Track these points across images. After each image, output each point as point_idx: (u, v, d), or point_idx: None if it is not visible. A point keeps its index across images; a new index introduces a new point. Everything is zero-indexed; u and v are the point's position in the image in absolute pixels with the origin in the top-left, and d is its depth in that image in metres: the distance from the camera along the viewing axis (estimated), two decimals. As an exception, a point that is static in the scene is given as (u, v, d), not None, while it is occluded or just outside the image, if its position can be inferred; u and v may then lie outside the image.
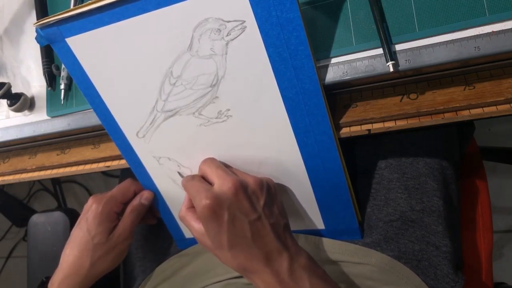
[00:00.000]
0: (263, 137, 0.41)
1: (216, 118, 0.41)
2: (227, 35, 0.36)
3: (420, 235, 0.46)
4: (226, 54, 0.37)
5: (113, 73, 0.40)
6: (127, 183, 0.50)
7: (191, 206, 0.41)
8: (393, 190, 0.47)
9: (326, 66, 0.39)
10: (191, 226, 0.40)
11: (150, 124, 0.43)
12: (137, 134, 0.44)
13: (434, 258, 0.45)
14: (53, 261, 0.63)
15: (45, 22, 0.38)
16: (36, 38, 0.39)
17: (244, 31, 0.35)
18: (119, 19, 0.37)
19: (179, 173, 0.46)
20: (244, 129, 0.41)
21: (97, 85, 0.41)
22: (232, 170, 0.42)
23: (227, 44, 0.36)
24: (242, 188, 0.38)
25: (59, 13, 0.37)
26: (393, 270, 0.44)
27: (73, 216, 0.66)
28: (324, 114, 0.38)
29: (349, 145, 0.50)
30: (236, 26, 0.35)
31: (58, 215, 0.65)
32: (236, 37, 0.36)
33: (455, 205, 0.50)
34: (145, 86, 0.40)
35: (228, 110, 0.40)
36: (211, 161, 0.42)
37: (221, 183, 0.38)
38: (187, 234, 0.53)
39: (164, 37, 0.37)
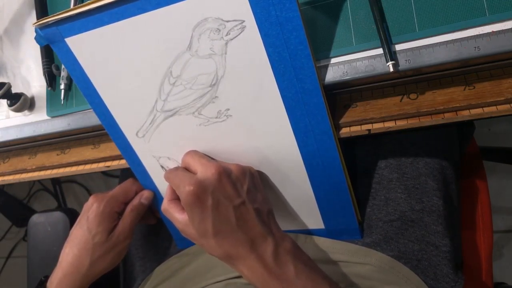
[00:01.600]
0: (263, 137, 0.41)
1: (216, 117, 0.41)
2: (226, 35, 0.36)
3: (420, 235, 0.46)
4: (226, 53, 0.37)
5: (113, 73, 0.40)
6: (128, 183, 0.50)
7: (174, 198, 0.41)
8: (393, 190, 0.47)
9: (326, 66, 0.39)
10: (175, 217, 0.40)
11: (150, 124, 0.43)
12: (136, 134, 0.44)
13: (434, 258, 0.45)
14: (53, 261, 0.63)
15: (45, 22, 0.38)
16: (35, 38, 0.40)
17: (243, 30, 0.35)
18: (118, 19, 0.37)
19: (162, 166, 0.46)
20: (243, 129, 0.41)
21: (96, 85, 0.41)
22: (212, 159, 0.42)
23: (226, 43, 0.36)
24: (225, 173, 0.38)
25: (58, 13, 0.37)
26: (393, 270, 0.44)
27: (73, 216, 0.66)
28: (324, 114, 0.38)
29: (349, 145, 0.50)
30: (236, 25, 0.35)
31: (58, 215, 0.65)
32: (235, 37, 0.36)
33: (455, 205, 0.50)
34: (145, 86, 0.40)
35: (228, 109, 0.40)
36: (193, 152, 0.42)
37: (204, 170, 0.38)
38: None
39: (163, 36, 0.37)
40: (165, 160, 0.45)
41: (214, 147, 0.43)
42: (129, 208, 0.49)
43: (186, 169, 0.41)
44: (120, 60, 0.39)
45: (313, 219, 0.47)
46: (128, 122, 0.43)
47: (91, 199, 0.48)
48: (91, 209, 0.47)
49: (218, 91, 0.39)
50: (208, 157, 0.41)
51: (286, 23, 0.34)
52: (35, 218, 0.67)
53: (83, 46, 0.39)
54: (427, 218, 0.46)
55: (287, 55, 0.36)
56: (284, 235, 0.40)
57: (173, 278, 0.53)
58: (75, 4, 0.49)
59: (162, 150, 0.45)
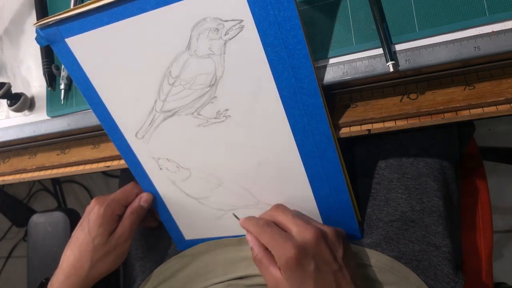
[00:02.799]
0: (262, 137, 0.41)
1: (215, 118, 0.41)
2: (225, 35, 0.36)
3: (420, 235, 0.46)
4: (224, 53, 0.37)
5: (112, 73, 0.40)
6: (130, 186, 0.50)
7: (266, 249, 0.41)
8: (393, 190, 0.47)
9: (326, 66, 0.39)
10: (269, 272, 0.40)
11: (149, 124, 0.43)
12: (136, 135, 0.44)
13: (434, 258, 0.45)
14: (53, 261, 0.63)
15: (45, 23, 0.38)
16: (36, 39, 0.40)
17: (242, 30, 0.35)
18: (118, 19, 0.37)
19: (234, 215, 0.47)
20: (242, 129, 0.41)
21: (96, 86, 0.41)
22: (304, 218, 0.43)
23: (225, 43, 0.36)
24: (323, 237, 0.39)
25: (58, 13, 0.37)
26: (393, 270, 0.44)
27: (73, 216, 0.65)
28: (322, 114, 0.38)
29: (349, 145, 0.50)
30: (234, 25, 0.35)
31: (58, 215, 0.65)
32: (234, 37, 0.36)
33: (455, 205, 0.50)
34: (144, 86, 0.40)
35: (227, 110, 0.40)
36: (284, 208, 0.43)
37: (302, 232, 0.39)
38: (187, 236, 0.53)
39: (162, 36, 0.37)
40: (165, 162, 0.45)
41: (214, 148, 0.43)
42: (128, 210, 0.49)
43: (277, 225, 0.41)
44: (119, 60, 0.39)
45: (314, 220, 0.47)
46: (127, 123, 0.43)
47: (92, 202, 0.48)
48: (92, 212, 0.47)
49: (217, 91, 0.39)
50: (301, 216, 0.41)
51: (284, 23, 0.34)
52: (35, 218, 0.67)
53: (83, 46, 0.39)
54: (427, 218, 0.46)
55: (285, 55, 0.36)
56: None
57: (173, 279, 0.53)
58: (75, 4, 0.49)
59: (161, 152, 0.45)
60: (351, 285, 0.39)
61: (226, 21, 0.35)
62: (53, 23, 0.38)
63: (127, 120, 0.43)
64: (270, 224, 0.41)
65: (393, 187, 0.47)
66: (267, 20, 0.34)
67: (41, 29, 0.39)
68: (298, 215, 0.42)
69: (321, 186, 0.43)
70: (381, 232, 0.46)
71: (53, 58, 0.51)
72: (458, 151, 0.54)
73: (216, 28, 0.36)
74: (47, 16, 0.52)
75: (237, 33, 0.35)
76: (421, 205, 0.46)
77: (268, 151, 0.42)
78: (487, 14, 0.34)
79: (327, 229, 0.40)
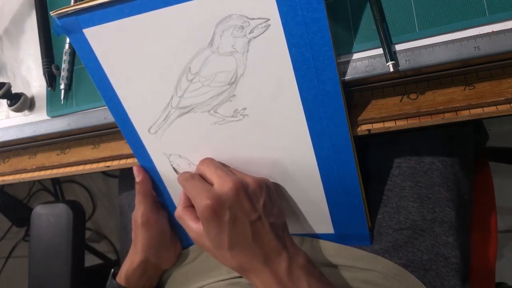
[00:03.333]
0: (278, 138, 0.40)
1: (232, 116, 0.40)
2: (250, 33, 0.35)
3: (429, 244, 0.45)
4: (247, 52, 0.36)
5: (130, 67, 0.40)
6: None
7: (188, 205, 0.41)
8: (405, 198, 0.47)
9: (326, 66, 0.39)
10: (188, 225, 0.41)
11: (164, 120, 0.42)
12: (149, 130, 0.43)
13: (442, 269, 0.45)
14: (55, 253, 0.63)
15: (64, 12, 0.37)
16: (52, 28, 0.39)
17: (267, 29, 0.35)
18: (139, 12, 0.36)
19: (174, 168, 0.46)
20: (259, 129, 0.40)
21: (111, 79, 0.41)
22: (231, 169, 0.42)
23: (249, 41, 0.36)
24: (242, 188, 0.38)
25: (78, 3, 0.37)
26: (399, 278, 0.44)
27: (76, 208, 0.65)
28: (343, 117, 0.38)
29: (362, 149, 0.49)
30: (260, 24, 0.35)
31: (62, 207, 0.65)
32: (259, 35, 0.35)
33: (467, 216, 0.50)
34: (162, 82, 0.40)
35: (245, 109, 0.40)
36: (209, 161, 0.42)
37: (222, 183, 0.38)
38: None
39: (185, 32, 0.37)
40: (176, 158, 0.45)
41: (228, 146, 0.42)
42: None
43: (202, 177, 0.41)
44: (138, 54, 0.39)
45: (323, 224, 0.46)
46: (141, 118, 0.43)
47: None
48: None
49: (237, 89, 0.39)
50: (224, 168, 0.41)
51: (312, 24, 0.34)
52: (39, 209, 0.66)
53: (101, 38, 0.38)
54: (438, 228, 0.46)
55: (310, 56, 0.35)
56: (298, 250, 0.40)
57: (176, 273, 0.54)
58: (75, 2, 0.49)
59: (173, 148, 0.44)
60: (269, 234, 0.38)
61: (252, 19, 0.35)
62: (71, 13, 0.37)
63: (140, 115, 0.43)
64: (194, 176, 0.41)
65: (405, 195, 0.47)
66: (295, 20, 0.34)
67: (58, 18, 0.38)
68: (221, 167, 0.41)
69: (334, 189, 0.42)
70: (390, 239, 0.46)
71: (53, 58, 0.51)
72: (473, 162, 0.53)
73: (241, 26, 0.35)
74: (47, 16, 0.52)
75: (263, 32, 0.35)
76: (433, 215, 0.46)
77: (283, 152, 0.41)
78: (487, 14, 0.34)
79: (249, 180, 0.39)
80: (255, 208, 0.38)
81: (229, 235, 0.37)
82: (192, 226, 0.40)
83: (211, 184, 0.39)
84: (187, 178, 0.41)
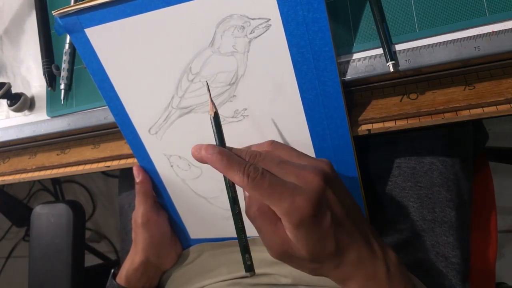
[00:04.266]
0: (278, 138, 0.40)
1: (232, 117, 0.40)
2: (250, 33, 0.35)
3: (430, 244, 0.45)
4: (248, 52, 0.36)
5: (131, 66, 0.40)
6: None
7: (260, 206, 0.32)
8: (405, 198, 0.47)
9: (326, 66, 0.39)
10: (272, 232, 0.31)
11: (164, 120, 0.42)
12: (149, 131, 0.43)
13: (442, 269, 0.45)
14: (55, 253, 0.63)
15: (65, 11, 0.37)
16: (54, 27, 0.39)
17: (268, 29, 0.35)
18: (141, 11, 0.36)
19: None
20: (260, 130, 0.40)
21: (112, 78, 0.41)
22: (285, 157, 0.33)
23: (250, 42, 0.36)
24: (326, 177, 0.31)
25: (80, 2, 0.37)
26: None
27: (76, 209, 0.65)
28: (343, 117, 0.38)
29: (362, 150, 0.49)
30: (261, 24, 0.35)
31: (62, 207, 0.65)
32: (259, 35, 0.35)
33: (467, 216, 0.50)
34: (162, 82, 0.40)
35: (245, 109, 0.40)
36: (269, 155, 0.33)
37: (304, 178, 0.30)
38: (192, 235, 0.53)
39: (186, 32, 0.37)
40: (176, 159, 0.45)
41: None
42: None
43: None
44: (139, 53, 0.39)
45: None
46: (141, 118, 0.43)
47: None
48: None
49: (237, 90, 0.39)
50: (284, 159, 0.33)
51: (313, 24, 0.34)
52: (39, 209, 0.66)
53: (102, 37, 0.38)
54: (438, 228, 0.46)
55: (311, 56, 0.35)
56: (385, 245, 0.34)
57: (176, 274, 0.54)
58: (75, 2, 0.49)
59: (174, 148, 0.44)
60: (361, 215, 0.32)
61: (253, 19, 0.35)
62: (73, 12, 0.37)
63: (141, 115, 0.43)
64: (264, 173, 0.31)
65: (405, 195, 0.47)
66: (295, 20, 0.34)
67: (60, 18, 0.38)
68: (286, 161, 0.32)
69: None
70: (390, 240, 0.46)
71: (53, 58, 0.51)
72: (472, 162, 0.53)
73: (242, 26, 0.35)
74: (47, 16, 0.52)
75: (263, 32, 0.35)
76: (433, 215, 0.46)
77: None
78: (487, 14, 0.34)
79: (323, 164, 0.32)
80: (343, 201, 0.31)
81: (335, 238, 0.30)
82: (280, 233, 0.31)
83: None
84: (253, 177, 0.30)
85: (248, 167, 0.31)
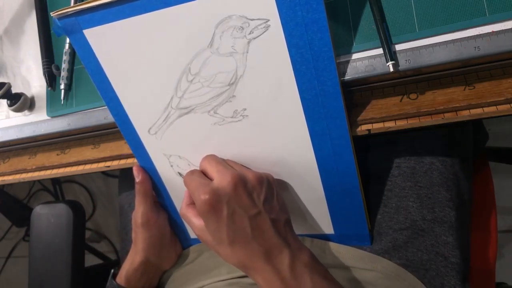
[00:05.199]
0: (278, 139, 0.40)
1: (232, 117, 0.40)
2: (249, 33, 0.35)
3: (429, 244, 0.45)
4: (247, 52, 0.36)
5: (130, 67, 0.40)
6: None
7: (191, 203, 0.41)
8: (405, 198, 0.47)
9: (326, 66, 0.39)
10: (192, 222, 0.40)
11: (164, 121, 0.42)
12: (149, 131, 0.43)
13: (442, 269, 0.45)
14: (55, 253, 0.63)
15: (64, 12, 0.37)
16: (53, 28, 0.39)
17: (267, 30, 0.35)
18: (140, 12, 0.36)
19: (179, 173, 0.46)
20: (259, 130, 0.40)
21: (111, 79, 0.41)
22: (231, 163, 0.42)
23: (249, 42, 0.36)
24: (241, 182, 0.38)
25: (79, 3, 0.37)
26: (399, 278, 0.44)
27: (76, 209, 0.65)
28: (342, 117, 0.38)
29: (362, 150, 0.49)
30: (260, 24, 0.35)
31: (62, 207, 0.65)
32: (258, 36, 0.35)
33: (467, 216, 0.50)
34: (162, 82, 0.40)
35: (245, 109, 0.40)
36: (211, 157, 0.42)
37: (220, 178, 0.38)
38: (192, 235, 0.53)
39: (185, 32, 0.37)
40: (176, 159, 0.45)
41: (228, 147, 0.42)
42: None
43: (203, 173, 0.41)
44: (138, 54, 0.39)
45: (323, 224, 0.46)
46: (141, 118, 0.43)
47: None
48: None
49: (236, 90, 0.39)
50: (225, 163, 0.41)
51: (312, 24, 0.34)
52: (39, 209, 0.66)
53: (101, 38, 0.38)
54: (438, 228, 0.46)
55: (310, 57, 0.35)
56: (301, 246, 0.39)
57: (176, 274, 0.54)
58: (75, 3, 0.49)
59: (173, 148, 0.44)
60: (270, 229, 0.38)
61: (252, 19, 0.35)
62: (72, 13, 0.37)
63: (140, 116, 0.43)
64: (194, 172, 0.41)
65: (405, 195, 0.47)
66: (294, 20, 0.34)
67: (59, 19, 0.38)
68: (222, 162, 0.40)
69: (334, 189, 0.42)
70: (390, 239, 0.46)
71: (53, 58, 0.51)
72: (472, 162, 0.53)
73: (241, 27, 0.35)
74: (47, 16, 0.52)
75: (262, 33, 0.35)
76: (433, 215, 0.46)
77: (283, 152, 0.41)
78: (487, 14, 0.34)
79: (250, 175, 0.39)
80: (254, 203, 0.38)
81: (227, 230, 0.37)
82: (195, 223, 0.40)
83: (211, 180, 0.39)
84: (187, 174, 0.41)
85: (189, 171, 0.41)
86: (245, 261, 0.38)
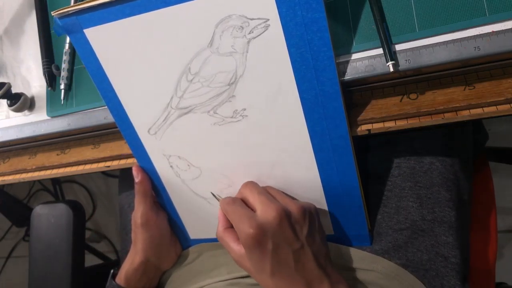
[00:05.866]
0: (278, 139, 0.40)
1: (231, 117, 0.40)
2: (249, 33, 0.35)
3: (429, 244, 0.45)
4: (247, 52, 0.36)
5: (130, 67, 0.40)
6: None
7: (229, 226, 0.41)
8: (405, 198, 0.47)
9: (326, 66, 0.39)
10: (230, 247, 0.41)
11: (163, 121, 0.42)
12: (148, 131, 0.43)
13: (442, 269, 0.45)
14: (55, 253, 0.63)
15: (64, 12, 0.37)
16: (53, 28, 0.39)
17: (267, 29, 0.35)
18: (140, 12, 0.36)
19: (213, 194, 0.46)
20: (259, 130, 0.40)
21: (112, 79, 0.41)
22: (272, 192, 0.42)
23: (248, 42, 0.36)
24: (286, 217, 0.38)
25: (79, 3, 0.37)
26: (399, 278, 0.44)
27: (76, 209, 0.65)
28: (342, 118, 0.38)
29: (362, 150, 0.49)
30: (260, 24, 0.35)
31: (62, 207, 0.65)
32: (258, 35, 0.35)
33: (466, 216, 0.50)
34: (161, 82, 0.40)
35: (244, 109, 0.40)
36: (252, 185, 0.42)
37: (265, 211, 0.38)
38: (192, 235, 0.53)
39: (185, 32, 0.37)
40: (176, 159, 0.45)
41: (227, 147, 0.42)
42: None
43: (244, 202, 0.41)
44: (138, 54, 0.39)
45: (323, 224, 0.46)
46: (140, 118, 0.43)
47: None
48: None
49: (236, 90, 0.38)
50: (267, 194, 0.41)
51: (311, 24, 0.34)
52: (39, 209, 0.66)
53: (101, 38, 0.38)
54: (438, 228, 0.46)
55: (310, 56, 0.35)
56: (339, 277, 0.40)
57: (176, 274, 0.54)
58: (75, 2, 0.49)
59: (173, 149, 0.44)
60: (312, 262, 0.38)
61: (252, 19, 0.35)
62: (72, 13, 0.37)
63: (140, 116, 0.43)
64: (236, 201, 0.41)
65: (404, 195, 0.47)
66: (294, 20, 0.34)
67: (59, 19, 0.38)
68: (264, 193, 0.40)
69: (333, 189, 0.42)
70: (390, 239, 0.46)
71: (53, 58, 0.51)
72: (472, 162, 0.53)
73: (241, 26, 0.35)
74: (47, 16, 0.52)
75: (262, 32, 0.35)
76: (432, 215, 0.46)
77: (283, 153, 0.41)
78: (487, 14, 0.34)
79: (293, 207, 0.39)
80: (297, 237, 0.38)
81: (271, 263, 0.38)
82: (234, 248, 0.40)
83: (254, 210, 0.39)
84: (229, 202, 0.41)
85: (229, 198, 0.42)
86: None
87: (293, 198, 0.43)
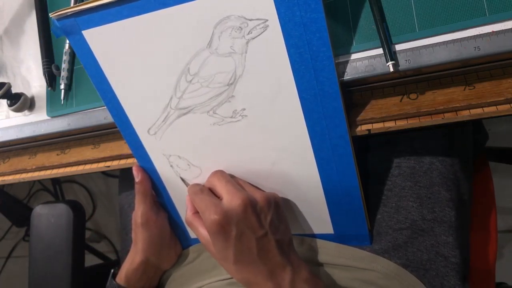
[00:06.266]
0: (277, 138, 0.40)
1: (231, 117, 0.40)
2: (248, 34, 0.35)
3: (429, 244, 0.45)
4: (246, 52, 0.36)
5: (129, 68, 0.40)
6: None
7: (197, 211, 0.42)
8: (404, 198, 0.47)
9: (326, 66, 0.39)
10: (198, 231, 0.42)
11: (163, 121, 0.42)
12: (148, 131, 0.43)
13: (442, 269, 0.45)
14: (55, 253, 0.63)
15: (63, 13, 0.37)
16: (52, 29, 0.39)
17: (266, 30, 0.35)
18: (138, 13, 0.36)
19: (182, 179, 0.46)
20: (258, 130, 0.40)
21: (111, 80, 0.41)
22: (240, 182, 0.43)
23: (247, 42, 0.36)
24: (251, 204, 0.39)
25: (77, 4, 0.37)
26: (399, 278, 0.44)
27: (76, 209, 0.65)
28: (341, 117, 0.38)
29: (362, 150, 0.49)
30: (258, 24, 0.35)
31: (62, 207, 0.65)
32: (257, 36, 0.35)
33: (466, 216, 0.50)
34: (161, 83, 0.40)
35: (244, 109, 0.40)
36: (220, 174, 0.43)
37: (230, 199, 0.39)
38: (192, 235, 0.53)
39: (183, 33, 0.37)
40: (176, 159, 0.45)
41: (227, 147, 0.42)
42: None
43: (211, 190, 0.42)
44: (137, 55, 0.39)
45: (323, 224, 0.46)
46: (140, 119, 0.43)
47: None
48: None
49: (235, 90, 0.39)
50: (234, 183, 0.41)
51: (310, 24, 0.34)
52: (39, 209, 0.66)
53: (100, 39, 0.38)
54: (438, 228, 0.46)
55: (309, 57, 0.35)
56: (301, 264, 0.41)
57: (176, 274, 0.54)
58: (75, 3, 0.49)
59: (173, 149, 0.44)
60: (275, 250, 0.39)
61: (251, 20, 0.35)
62: (71, 14, 0.37)
63: (140, 116, 0.43)
64: (204, 190, 0.42)
65: (404, 195, 0.47)
66: (293, 21, 0.34)
67: (58, 20, 0.38)
68: (232, 182, 0.41)
69: (333, 189, 0.42)
70: (389, 239, 0.46)
71: (53, 58, 0.51)
72: (472, 162, 0.53)
73: (240, 27, 0.35)
74: (47, 16, 0.52)
75: (261, 33, 0.35)
76: (433, 215, 0.46)
77: (282, 152, 0.41)
78: (487, 14, 0.34)
79: (258, 196, 0.40)
80: (262, 224, 0.39)
81: (234, 250, 0.38)
82: (202, 233, 0.41)
83: (220, 198, 0.40)
84: (196, 192, 0.42)
85: (197, 186, 0.43)
86: (249, 278, 0.39)
87: (259, 189, 0.44)
